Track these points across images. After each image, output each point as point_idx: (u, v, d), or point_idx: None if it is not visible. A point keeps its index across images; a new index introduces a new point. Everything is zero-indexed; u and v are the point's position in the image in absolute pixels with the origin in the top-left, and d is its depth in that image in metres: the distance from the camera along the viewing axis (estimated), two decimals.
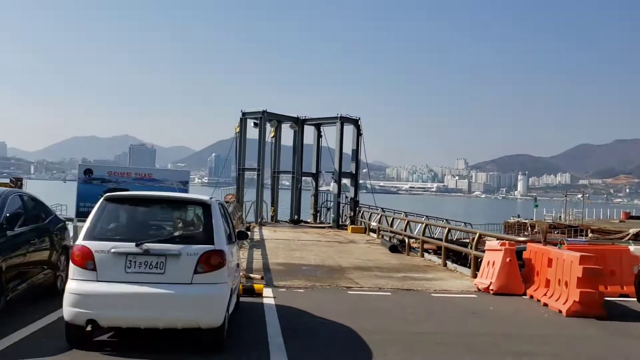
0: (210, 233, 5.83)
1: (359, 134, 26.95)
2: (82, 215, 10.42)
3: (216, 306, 5.66)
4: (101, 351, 5.72)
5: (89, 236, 5.69)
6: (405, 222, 19.51)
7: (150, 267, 5.55)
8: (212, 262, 5.66)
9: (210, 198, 6.42)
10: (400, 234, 18.88)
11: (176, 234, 6.06)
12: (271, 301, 8.89)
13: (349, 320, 7.72)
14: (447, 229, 16.42)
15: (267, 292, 9.56)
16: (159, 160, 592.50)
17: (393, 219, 21.81)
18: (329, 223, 27.19)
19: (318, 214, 28.89)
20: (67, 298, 5.52)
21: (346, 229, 25.09)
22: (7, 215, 6.85)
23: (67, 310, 5.51)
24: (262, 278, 10.91)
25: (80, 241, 5.67)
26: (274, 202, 28.14)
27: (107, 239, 5.70)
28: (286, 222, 28.00)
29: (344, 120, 26.86)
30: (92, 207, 10.26)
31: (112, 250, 5.55)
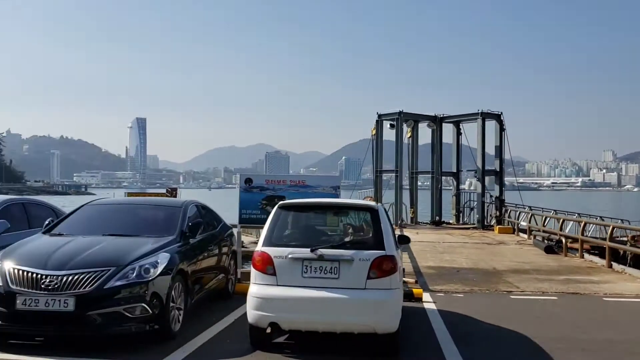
0: (381, 238, 5.85)
1: (501, 129, 25.73)
2: (244, 221, 10.96)
3: (392, 312, 5.67)
4: (282, 353, 5.94)
5: (268, 242, 5.94)
6: (560, 220, 18.30)
7: (325, 272, 5.68)
8: (384, 267, 5.66)
9: (378, 203, 6.45)
10: (556, 234, 17.75)
11: (347, 239, 6.15)
12: (432, 306, 8.74)
13: (520, 326, 7.37)
14: (611, 227, 15.12)
15: (426, 296, 9.42)
16: (293, 165, 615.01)
17: (545, 217, 20.56)
18: (473, 224, 26.31)
19: (460, 215, 28.08)
20: (250, 302, 5.81)
21: (492, 230, 24.12)
22: (190, 224, 7.39)
23: (251, 314, 5.79)
24: (416, 282, 10.77)
25: (259, 247, 5.94)
26: (413, 204, 27.80)
27: (283, 245, 5.92)
28: (427, 223, 27.54)
29: (485, 115, 25.82)
30: (253, 214, 10.98)
31: (290, 255, 5.75)
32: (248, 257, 12.50)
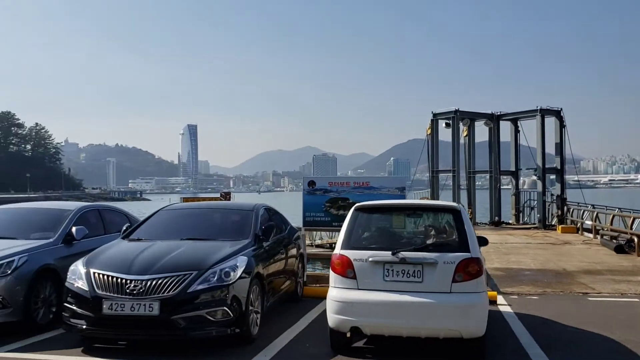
0: (465, 240, 5.68)
1: (562, 125, 24.96)
2: (308, 224, 10.96)
3: (479, 316, 5.48)
4: (363, 358, 5.85)
5: (346, 245, 5.84)
6: (631, 218, 17.52)
7: (408, 275, 5.55)
8: (470, 270, 5.50)
9: (459, 204, 6.28)
10: (626, 232, 17.01)
11: (429, 241, 5.99)
12: (507, 309, 8.48)
13: (606, 330, 7.04)
14: None
15: (499, 299, 9.15)
16: (340, 167, 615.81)
17: (613, 216, 19.73)
18: (534, 223, 25.58)
19: (520, 214, 27.34)
20: (331, 305, 5.73)
21: (554, 229, 23.38)
22: (263, 227, 7.39)
23: (332, 318, 5.72)
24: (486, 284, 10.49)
25: (338, 250, 5.85)
26: (471, 204, 27.23)
27: (363, 247, 5.82)
28: (485, 224, 26.94)
29: (544, 112, 25.07)
30: (317, 217, 10.96)
31: (370, 259, 5.64)
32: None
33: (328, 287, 9.35)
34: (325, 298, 8.86)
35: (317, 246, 20.15)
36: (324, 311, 8.01)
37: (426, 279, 5.51)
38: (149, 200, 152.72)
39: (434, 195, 26.45)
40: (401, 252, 5.58)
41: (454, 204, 6.23)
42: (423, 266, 5.54)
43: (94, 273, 6.04)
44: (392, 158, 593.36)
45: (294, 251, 8.75)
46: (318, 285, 9.99)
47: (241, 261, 6.28)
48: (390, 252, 5.60)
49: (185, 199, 24.02)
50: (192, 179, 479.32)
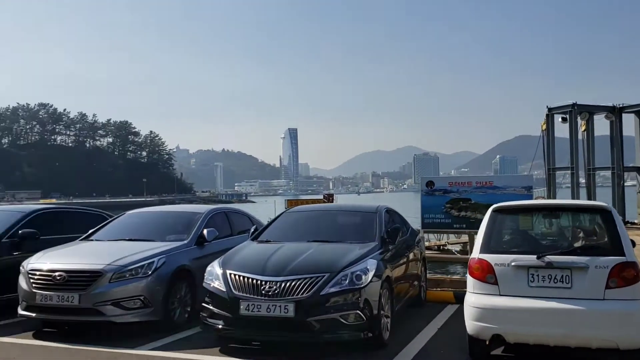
0: (618, 243, 5.22)
1: None
2: (427, 226, 10.70)
3: (638, 325, 5.02)
4: None
5: (486, 249, 5.56)
6: None
7: (555, 281, 5.19)
8: (625, 275, 5.04)
9: (608, 204, 5.81)
10: None
11: (577, 244, 5.59)
12: None
13: None
14: None
15: None
16: (442, 167, 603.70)
17: None
18: None
19: None
20: (470, 312, 5.47)
21: None
22: (388, 230, 7.26)
23: (472, 325, 5.45)
24: None
25: (476, 254, 5.58)
26: None
27: (504, 251, 5.52)
28: None
29: None
30: (437, 218, 10.66)
31: (513, 263, 5.33)
32: None
33: (450, 290, 9.19)
34: (448, 303, 8.69)
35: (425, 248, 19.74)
36: (451, 316, 7.81)
37: (575, 284, 5.13)
38: (253, 202, 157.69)
39: (551, 194, 25.10)
40: (547, 256, 5.23)
41: (603, 204, 5.75)
42: (572, 271, 5.15)
43: (230, 274, 6.16)
44: (497, 156, 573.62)
45: (417, 254, 8.53)
46: (439, 289, 9.70)
47: (371, 264, 6.17)
48: (534, 256, 5.26)
49: (290, 202, 24.32)
50: (293, 181, 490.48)
